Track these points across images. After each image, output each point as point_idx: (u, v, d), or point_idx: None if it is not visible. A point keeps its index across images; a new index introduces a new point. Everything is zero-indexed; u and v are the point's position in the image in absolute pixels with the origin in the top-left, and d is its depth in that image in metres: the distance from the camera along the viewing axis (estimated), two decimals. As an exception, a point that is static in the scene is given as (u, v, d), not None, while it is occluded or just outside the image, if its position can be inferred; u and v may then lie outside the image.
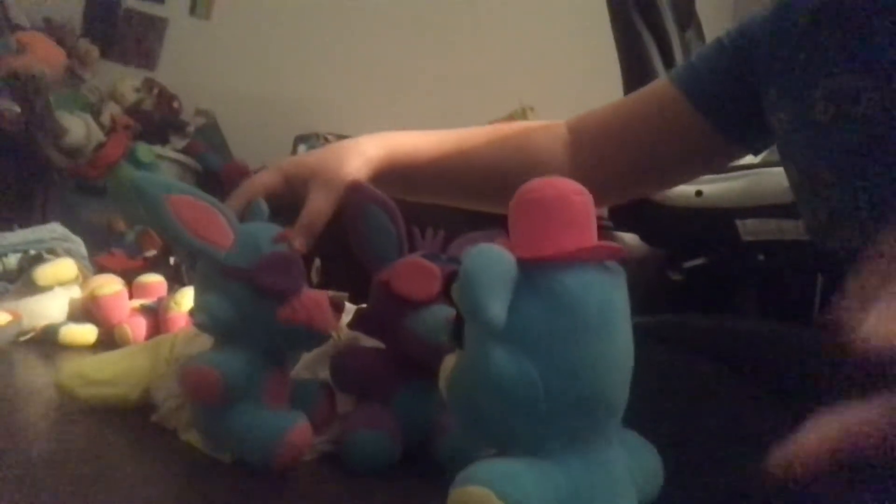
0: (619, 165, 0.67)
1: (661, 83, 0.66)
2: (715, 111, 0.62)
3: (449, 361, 0.38)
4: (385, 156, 0.64)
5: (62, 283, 0.89)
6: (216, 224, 0.48)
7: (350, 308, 0.57)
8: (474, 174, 0.69)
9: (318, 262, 0.57)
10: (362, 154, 0.62)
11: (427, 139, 0.68)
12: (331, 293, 0.51)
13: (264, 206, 0.55)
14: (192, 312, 0.50)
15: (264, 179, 0.60)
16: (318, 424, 0.54)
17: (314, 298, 0.50)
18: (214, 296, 0.48)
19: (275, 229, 0.53)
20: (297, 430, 0.48)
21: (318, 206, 0.57)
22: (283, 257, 0.49)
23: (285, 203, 0.59)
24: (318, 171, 0.59)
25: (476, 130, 0.70)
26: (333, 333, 0.51)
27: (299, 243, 0.53)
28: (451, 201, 0.72)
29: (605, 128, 0.69)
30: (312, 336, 0.50)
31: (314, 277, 0.55)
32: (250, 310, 0.48)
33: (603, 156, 0.67)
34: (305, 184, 0.59)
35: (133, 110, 2.42)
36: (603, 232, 0.37)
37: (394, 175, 0.64)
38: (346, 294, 0.54)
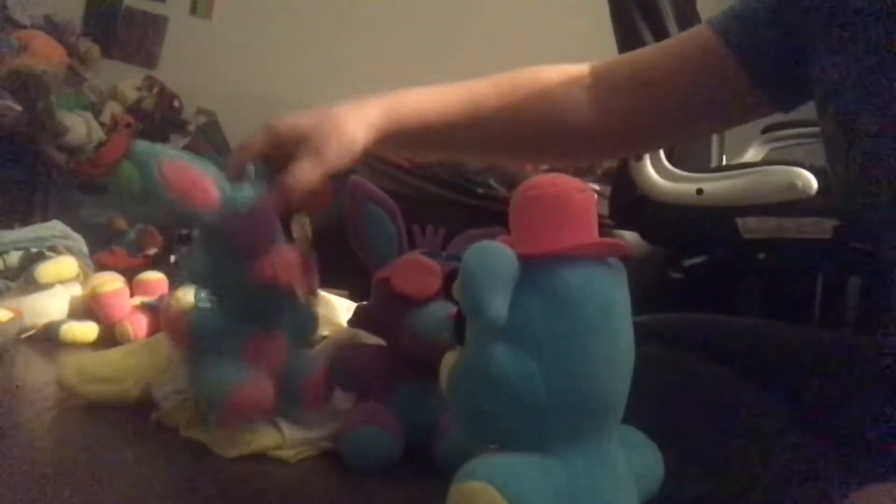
0: (647, 114, 0.65)
1: (700, 29, 0.63)
2: (753, 60, 0.60)
3: (450, 359, 0.38)
4: (388, 120, 0.61)
5: (63, 281, 0.89)
6: (204, 187, 0.50)
7: (351, 305, 0.57)
8: (489, 134, 0.66)
9: (305, 219, 0.57)
10: (363, 118, 0.59)
11: (433, 99, 0.65)
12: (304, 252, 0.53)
13: (252, 172, 0.56)
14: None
15: (257, 144, 0.58)
16: (311, 396, 0.54)
17: (284, 256, 0.51)
18: (198, 252, 0.52)
19: (259, 190, 0.54)
20: (246, 387, 0.48)
21: (302, 173, 0.55)
22: (254, 214, 0.51)
23: (279, 165, 0.56)
24: (311, 136, 0.57)
25: (487, 88, 0.67)
26: (299, 292, 0.51)
27: (271, 205, 0.53)
28: (462, 158, 0.68)
29: (637, 72, 0.66)
30: (279, 293, 0.50)
31: (300, 235, 0.55)
32: (224, 264, 0.51)
33: (631, 103, 0.65)
34: (298, 147, 0.56)
35: (134, 109, 2.42)
36: (603, 230, 0.37)
37: (399, 139, 0.61)
38: (343, 291, 0.54)
